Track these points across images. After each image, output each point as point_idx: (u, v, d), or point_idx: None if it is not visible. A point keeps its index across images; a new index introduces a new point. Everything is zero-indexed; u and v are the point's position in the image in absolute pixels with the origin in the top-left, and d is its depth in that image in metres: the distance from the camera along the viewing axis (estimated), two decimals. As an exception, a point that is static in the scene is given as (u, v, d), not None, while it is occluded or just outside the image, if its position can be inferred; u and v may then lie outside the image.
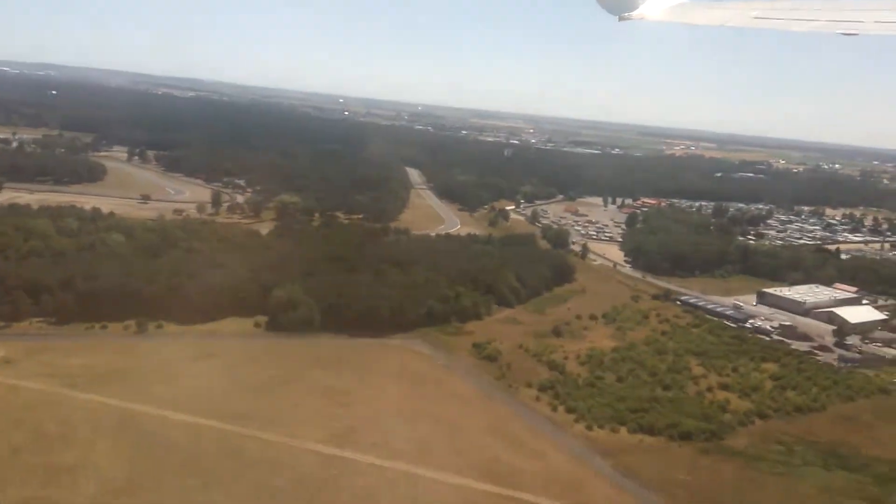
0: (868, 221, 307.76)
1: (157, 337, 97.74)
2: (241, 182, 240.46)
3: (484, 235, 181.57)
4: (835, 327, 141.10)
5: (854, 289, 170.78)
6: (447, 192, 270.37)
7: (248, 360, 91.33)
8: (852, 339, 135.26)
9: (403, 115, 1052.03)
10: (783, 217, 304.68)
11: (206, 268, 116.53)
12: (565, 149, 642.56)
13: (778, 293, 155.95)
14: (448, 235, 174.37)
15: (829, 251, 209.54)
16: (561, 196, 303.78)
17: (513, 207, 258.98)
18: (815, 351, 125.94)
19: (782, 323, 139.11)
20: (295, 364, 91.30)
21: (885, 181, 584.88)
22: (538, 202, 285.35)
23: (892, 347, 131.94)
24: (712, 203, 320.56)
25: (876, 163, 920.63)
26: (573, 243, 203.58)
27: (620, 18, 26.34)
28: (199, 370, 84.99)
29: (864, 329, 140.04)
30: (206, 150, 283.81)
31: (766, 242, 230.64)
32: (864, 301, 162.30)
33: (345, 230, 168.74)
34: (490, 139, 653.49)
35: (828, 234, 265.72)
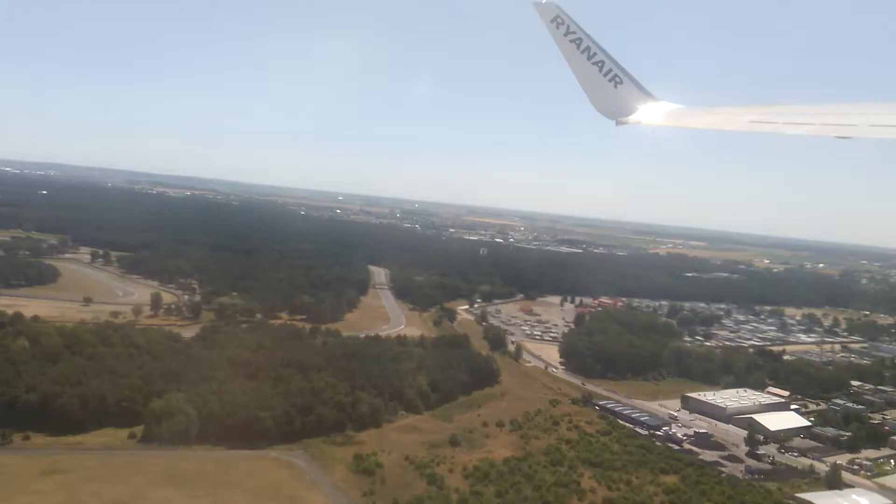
0: (828, 322, 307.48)
1: (19, 449, 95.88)
2: (195, 283, 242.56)
3: (415, 338, 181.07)
4: (756, 435, 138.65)
5: (786, 393, 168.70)
6: (405, 292, 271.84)
7: (98, 476, 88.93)
8: (769, 448, 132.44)
9: (397, 212, 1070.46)
10: (741, 317, 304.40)
11: (99, 374, 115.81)
12: (549, 247, 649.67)
13: (701, 398, 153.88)
14: (377, 338, 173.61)
15: (770, 353, 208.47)
16: (521, 295, 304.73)
17: (466, 307, 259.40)
18: (723, 462, 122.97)
19: (697, 430, 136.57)
20: (145, 482, 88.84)
21: (864, 281, 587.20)
22: (497, 301, 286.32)
23: (809, 456, 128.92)
24: (673, 303, 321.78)
25: (864, 262, 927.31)
26: (512, 343, 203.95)
27: (618, 123, 27.40)
28: (36, 488, 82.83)
29: (783, 436, 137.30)
30: (168, 250, 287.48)
31: (713, 343, 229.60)
32: (794, 406, 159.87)
33: (270, 332, 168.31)
34: (474, 238, 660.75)
35: (781, 334, 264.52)
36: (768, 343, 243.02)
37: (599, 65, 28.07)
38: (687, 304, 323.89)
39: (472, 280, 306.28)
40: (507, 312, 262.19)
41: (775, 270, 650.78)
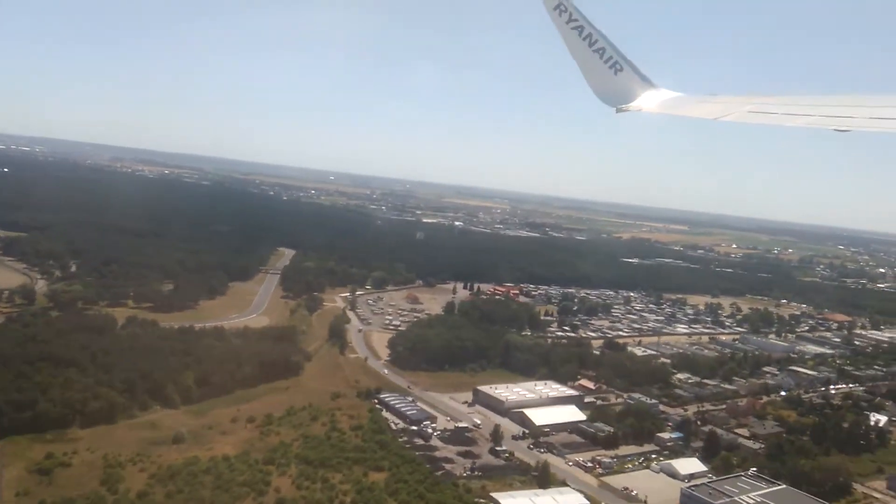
0: (728, 311, 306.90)
1: None
2: (72, 267, 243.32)
3: (237, 328, 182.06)
4: (524, 429, 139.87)
5: (593, 385, 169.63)
6: (293, 278, 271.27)
7: None
8: (519, 444, 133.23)
9: (374, 193, 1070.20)
10: (638, 305, 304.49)
11: None
12: (506, 232, 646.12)
13: (488, 390, 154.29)
14: (190, 329, 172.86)
15: (616, 344, 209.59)
16: (420, 282, 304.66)
17: (347, 294, 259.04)
18: (457, 458, 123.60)
19: (458, 425, 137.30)
20: None
21: (819, 268, 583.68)
22: (391, 288, 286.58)
23: (556, 453, 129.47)
24: (581, 290, 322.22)
25: (842, 247, 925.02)
26: (360, 332, 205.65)
27: (618, 110, 27.77)
28: None
29: (546, 431, 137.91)
30: (60, 232, 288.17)
31: (580, 334, 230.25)
32: (589, 399, 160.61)
33: (76, 320, 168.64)
34: (433, 221, 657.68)
35: (661, 325, 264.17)
36: (636, 334, 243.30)
37: (600, 52, 28.29)
38: (595, 292, 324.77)
39: (375, 265, 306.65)
40: (388, 300, 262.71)
41: (733, 256, 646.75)
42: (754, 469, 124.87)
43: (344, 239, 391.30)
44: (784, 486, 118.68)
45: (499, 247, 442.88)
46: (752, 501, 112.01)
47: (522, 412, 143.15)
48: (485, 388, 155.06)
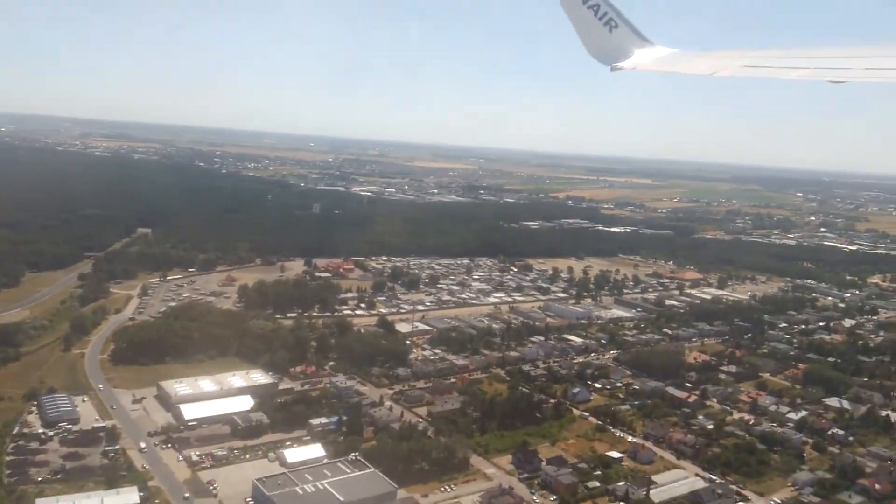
0: (568, 276, 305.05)
1: None
2: None
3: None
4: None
5: (312, 369, 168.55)
6: (111, 262, 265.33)
7: None
8: (151, 440, 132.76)
9: (338, 159, 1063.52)
10: (480, 274, 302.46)
11: None
12: (436, 198, 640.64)
13: (166, 386, 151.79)
14: None
15: (389, 323, 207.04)
16: (259, 260, 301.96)
17: (156, 280, 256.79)
18: (51, 461, 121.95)
19: (95, 426, 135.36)
20: None
21: (739, 221, 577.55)
22: (220, 269, 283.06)
23: (183, 447, 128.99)
24: (428, 260, 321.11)
25: (800, 195, 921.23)
26: (131, 319, 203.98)
27: (612, 69, 27.50)
28: None
29: (191, 426, 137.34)
30: None
31: (374, 312, 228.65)
32: (298, 385, 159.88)
33: None
34: (364, 190, 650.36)
35: (477, 295, 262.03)
36: (436, 307, 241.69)
37: (595, 9, 27.93)
38: (447, 261, 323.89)
39: (216, 245, 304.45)
40: (203, 283, 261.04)
41: (660, 211, 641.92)
42: (355, 454, 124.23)
43: (221, 217, 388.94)
44: (371, 470, 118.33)
45: (387, 217, 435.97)
46: (313, 489, 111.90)
47: (178, 407, 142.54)
48: (166, 384, 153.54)
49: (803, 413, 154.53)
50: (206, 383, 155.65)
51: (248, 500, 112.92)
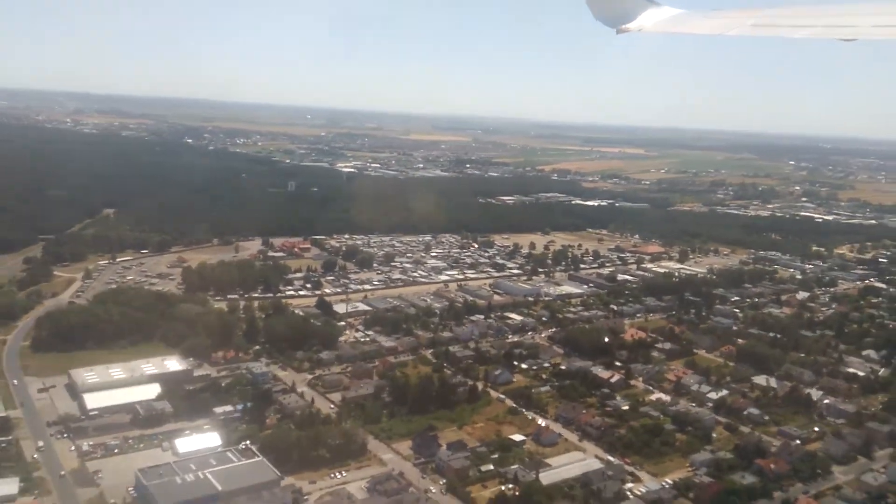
0: (530, 251, 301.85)
1: None
2: None
3: None
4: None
5: (232, 354, 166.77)
6: (61, 244, 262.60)
7: None
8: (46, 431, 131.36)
9: (331, 133, 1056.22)
10: (438, 251, 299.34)
11: None
12: (421, 174, 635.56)
13: (75, 374, 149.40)
14: None
15: (328, 305, 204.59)
16: (217, 240, 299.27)
17: (105, 262, 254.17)
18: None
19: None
20: None
21: (720, 193, 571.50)
22: (174, 250, 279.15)
23: (78, 437, 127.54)
24: (392, 238, 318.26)
25: (791, 162, 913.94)
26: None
27: (618, 31, 26.74)
28: None
29: (92, 415, 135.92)
30: None
31: (321, 291, 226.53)
32: (216, 371, 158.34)
33: None
34: (348, 166, 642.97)
35: (428, 273, 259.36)
36: (383, 286, 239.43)
37: None
38: (409, 238, 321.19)
39: (182, 225, 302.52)
40: (152, 265, 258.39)
41: (644, 183, 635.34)
42: (246, 443, 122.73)
43: (189, 196, 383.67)
44: (259, 459, 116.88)
45: (360, 194, 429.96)
46: (193, 479, 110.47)
47: (83, 396, 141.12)
48: (75, 372, 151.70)
49: (724, 392, 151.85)
50: (117, 371, 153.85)
51: (130, 490, 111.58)
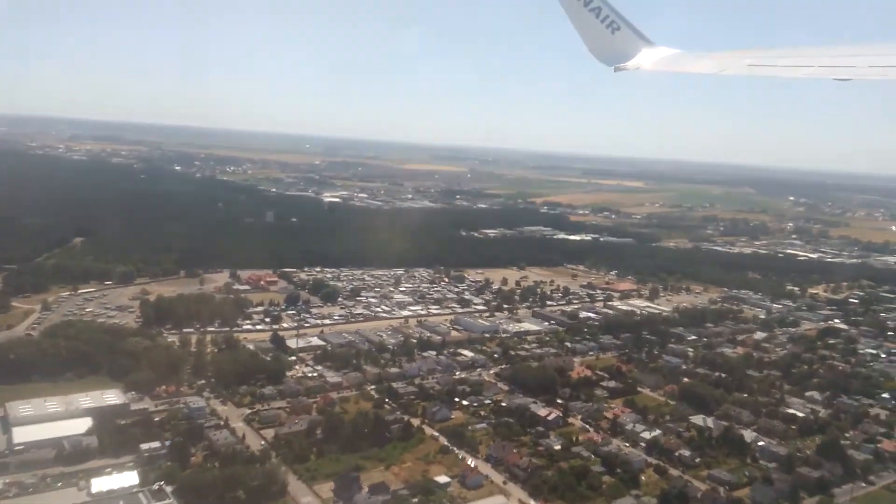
0: (497, 288, 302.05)
1: None
2: None
3: None
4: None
5: (173, 389, 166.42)
6: (22, 274, 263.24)
7: None
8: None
9: (325, 163, 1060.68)
10: (407, 286, 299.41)
11: None
12: (407, 205, 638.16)
13: (9, 407, 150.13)
14: None
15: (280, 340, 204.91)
16: (183, 273, 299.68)
17: (67, 293, 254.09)
18: None
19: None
20: None
21: (710, 228, 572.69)
22: (139, 282, 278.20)
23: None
24: (363, 271, 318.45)
25: (791, 198, 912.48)
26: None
27: (616, 69, 27.48)
28: None
29: (18, 450, 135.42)
30: None
31: (279, 326, 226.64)
32: (154, 406, 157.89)
33: None
34: (334, 196, 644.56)
35: (391, 308, 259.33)
36: (343, 321, 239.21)
37: (596, 11, 28.25)
38: (382, 272, 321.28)
39: (149, 255, 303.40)
40: (115, 297, 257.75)
41: (634, 217, 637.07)
42: (160, 483, 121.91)
43: (161, 225, 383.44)
44: (169, 501, 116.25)
45: (339, 226, 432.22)
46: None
47: (12, 430, 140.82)
48: (10, 405, 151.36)
49: (657, 432, 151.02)
50: (53, 404, 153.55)
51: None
